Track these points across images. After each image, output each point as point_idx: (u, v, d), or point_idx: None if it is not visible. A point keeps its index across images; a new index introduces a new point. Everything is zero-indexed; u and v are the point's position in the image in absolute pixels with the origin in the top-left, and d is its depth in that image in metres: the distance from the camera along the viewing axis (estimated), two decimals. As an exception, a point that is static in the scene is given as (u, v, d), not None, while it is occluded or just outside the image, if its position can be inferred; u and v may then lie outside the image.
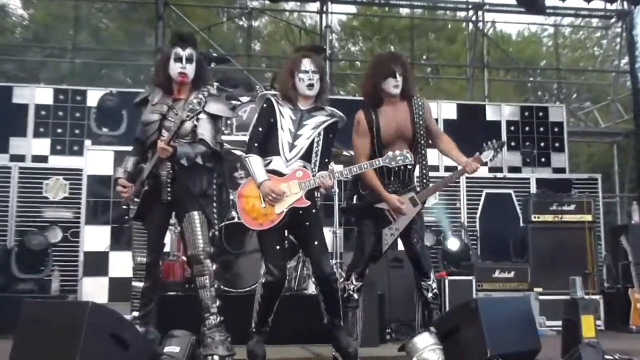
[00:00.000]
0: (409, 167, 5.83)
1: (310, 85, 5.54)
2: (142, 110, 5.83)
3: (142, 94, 5.92)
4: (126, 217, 5.83)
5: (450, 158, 6.07)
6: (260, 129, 5.52)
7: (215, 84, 9.78)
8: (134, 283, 5.68)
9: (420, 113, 5.92)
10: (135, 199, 5.64)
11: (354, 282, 5.91)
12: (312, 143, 5.49)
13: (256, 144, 5.48)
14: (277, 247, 5.37)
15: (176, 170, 5.55)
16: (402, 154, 5.42)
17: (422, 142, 5.88)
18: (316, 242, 5.44)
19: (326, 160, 5.60)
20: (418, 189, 5.89)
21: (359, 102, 6.65)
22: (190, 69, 5.73)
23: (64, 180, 9.64)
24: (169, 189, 5.59)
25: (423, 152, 5.88)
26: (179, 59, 5.71)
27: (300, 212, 5.38)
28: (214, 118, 5.76)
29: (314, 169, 5.46)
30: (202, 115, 5.59)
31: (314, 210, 5.52)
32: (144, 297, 5.64)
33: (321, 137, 5.53)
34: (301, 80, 5.54)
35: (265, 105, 5.60)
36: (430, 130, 6.00)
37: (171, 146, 5.42)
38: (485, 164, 5.99)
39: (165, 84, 5.78)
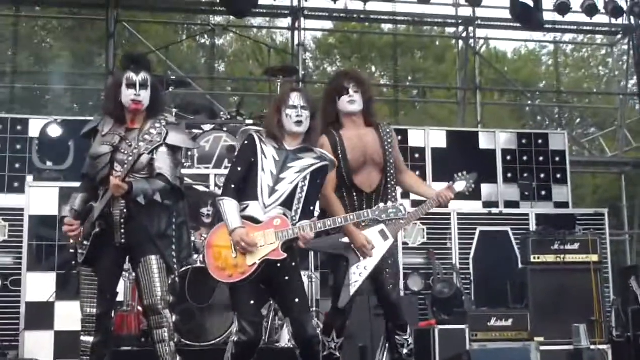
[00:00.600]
0: (381, 196, 5.90)
1: (299, 122, 5.51)
2: (91, 142, 5.83)
3: (91, 124, 5.88)
4: (74, 262, 5.81)
5: (418, 194, 6.26)
6: (239, 169, 5.48)
7: (174, 110, 9.82)
8: (82, 337, 5.64)
9: (390, 141, 6.06)
10: (85, 242, 5.62)
11: (335, 338, 5.92)
12: (295, 188, 5.44)
13: (233, 186, 5.43)
14: (252, 302, 5.30)
15: (131, 209, 5.55)
16: (395, 206, 5.39)
17: (392, 170, 5.99)
18: (297, 300, 5.36)
19: (312, 208, 5.56)
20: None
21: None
22: (144, 96, 5.71)
23: (2, 221, 9.58)
24: (122, 231, 5.56)
25: (393, 181, 5.98)
26: (131, 85, 5.68)
27: (278, 264, 5.32)
28: (173, 150, 5.74)
29: (294, 218, 5.40)
30: (161, 148, 5.59)
31: (293, 264, 5.46)
32: (94, 353, 5.59)
33: (307, 182, 5.47)
34: (288, 116, 5.52)
35: (246, 142, 5.58)
36: (396, 163, 6.09)
37: (126, 182, 5.42)
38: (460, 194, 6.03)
39: (117, 112, 5.75)
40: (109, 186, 5.48)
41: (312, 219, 5.48)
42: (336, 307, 5.91)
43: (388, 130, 6.11)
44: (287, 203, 5.42)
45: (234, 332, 5.37)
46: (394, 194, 5.95)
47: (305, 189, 5.47)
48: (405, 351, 5.94)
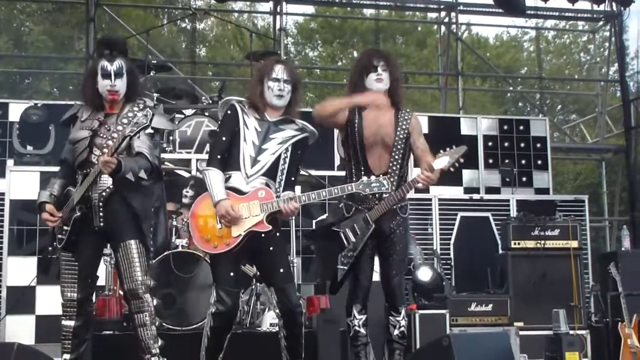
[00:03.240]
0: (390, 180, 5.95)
1: (280, 96, 5.58)
2: (70, 129, 5.86)
3: (70, 111, 5.94)
4: (51, 248, 5.82)
5: None
6: (223, 139, 5.53)
7: (155, 95, 9.80)
8: (63, 322, 5.67)
9: (405, 126, 6.06)
10: (64, 227, 5.64)
11: (356, 316, 6.02)
12: (278, 159, 5.51)
13: (219, 156, 5.50)
14: (231, 274, 5.38)
15: (110, 192, 5.57)
16: (379, 180, 5.44)
17: (399, 155, 6.02)
18: (281, 270, 5.45)
19: (293, 179, 5.63)
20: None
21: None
22: (120, 85, 5.75)
23: (-17, 206, 9.56)
24: (101, 215, 5.60)
25: (398, 165, 6.01)
26: (106, 75, 5.71)
27: (262, 235, 5.39)
28: (153, 131, 5.79)
29: (278, 189, 5.48)
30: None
31: (277, 234, 5.55)
32: (75, 337, 5.65)
33: (289, 153, 5.55)
34: (270, 88, 5.58)
35: (229, 112, 5.62)
36: (414, 150, 6.12)
37: (116, 159, 5.40)
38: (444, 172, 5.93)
39: (95, 101, 5.80)
40: (88, 170, 5.52)
41: (293, 190, 5.55)
42: (353, 288, 6.07)
43: (407, 117, 6.11)
44: (270, 174, 5.49)
45: (211, 303, 5.41)
46: (402, 178, 6.04)
47: (287, 160, 5.54)
48: (396, 332, 6.05)
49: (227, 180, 5.45)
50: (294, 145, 5.60)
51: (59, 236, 5.67)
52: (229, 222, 5.32)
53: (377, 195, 5.91)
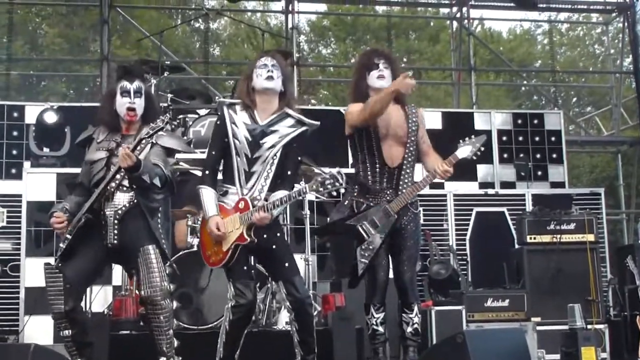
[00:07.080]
0: (404, 172, 6.02)
1: (269, 77, 5.51)
2: (86, 150, 5.88)
3: (85, 133, 5.97)
4: (55, 258, 5.76)
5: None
6: (212, 153, 5.56)
7: (169, 95, 9.84)
8: (61, 332, 5.60)
9: (415, 119, 6.16)
10: (68, 236, 5.56)
11: (374, 314, 6.08)
12: (266, 166, 5.48)
13: (207, 172, 5.53)
14: (245, 267, 5.43)
15: (126, 210, 5.56)
16: (332, 174, 5.19)
17: (412, 148, 6.09)
18: (287, 264, 5.46)
19: (289, 172, 5.55)
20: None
21: (332, 112, 6.58)
22: (139, 103, 5.78)
23: (1, 207, 9.60)
24: (115, 232, 5.56)
25: (411, 158, 6.08)
26: (126, 93, 5.75)
27: (265, 235, 5.39)
28: (168, 151, 5.83)
29: (258, 195, 5.43)
30: (155, 147, 5.67)
31: (278, 234, 5.57)
32: (76, 342, 5.55)
33: (279, 154, 5.50)
34: (259, 75, 5.54)
35: (218, 123, 5.62)
36: (420, 144, 6.20)
37: (135, 157, 5.40)
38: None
39: (112, 121, 5.82)
40: (101, 185, 5.53)
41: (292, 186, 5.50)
42: (371, 286, 6.11)
43: (414, 111, 6.21)
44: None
45: (229, 297, 5.42)
46: (413, 170, 6.08)
47: (275, 163, 5.48)
48: (409, 329, 6.10)
49: (224, 194, 5.50)
50: (287, 143, 5.53)
51: (61, 245, 5.63)
52: (216, 238, 5.37)
53: (387, 191, 6.00)
